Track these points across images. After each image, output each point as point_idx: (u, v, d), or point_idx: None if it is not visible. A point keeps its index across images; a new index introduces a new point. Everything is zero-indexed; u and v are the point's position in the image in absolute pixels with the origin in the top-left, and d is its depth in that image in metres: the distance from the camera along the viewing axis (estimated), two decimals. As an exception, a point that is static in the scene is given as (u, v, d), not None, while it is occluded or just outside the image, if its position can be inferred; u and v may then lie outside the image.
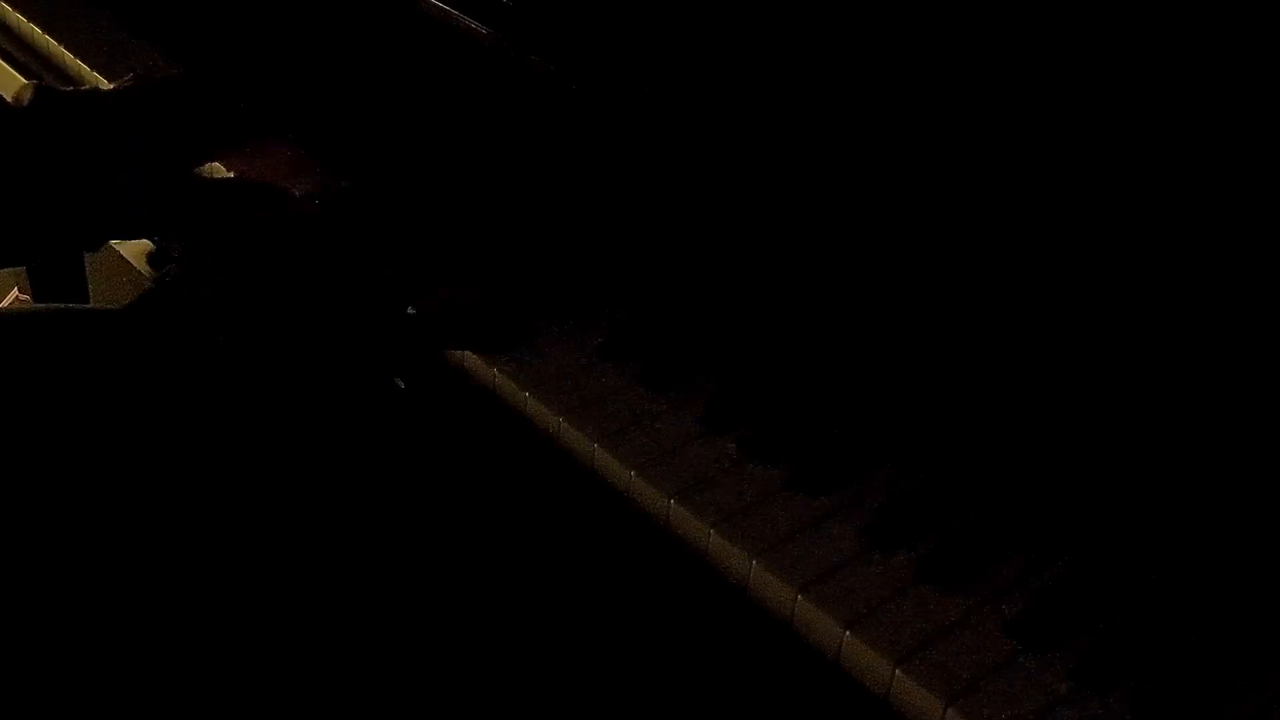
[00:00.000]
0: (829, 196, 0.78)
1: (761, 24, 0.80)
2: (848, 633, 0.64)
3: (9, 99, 0.78)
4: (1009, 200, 0.71)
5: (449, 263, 0.83)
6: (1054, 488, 0.72)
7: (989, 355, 0.74)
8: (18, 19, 1.19)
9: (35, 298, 1.37)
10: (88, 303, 0.88)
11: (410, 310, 0.80)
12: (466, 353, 0.81)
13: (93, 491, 0.67)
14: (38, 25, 1.17)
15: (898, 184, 0.75)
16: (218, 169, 0.94)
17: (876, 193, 0.76)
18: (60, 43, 1.14)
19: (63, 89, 0.80)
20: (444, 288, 0.81)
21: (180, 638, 0.73)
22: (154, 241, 1.14)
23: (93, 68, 1.10)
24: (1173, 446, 0.69)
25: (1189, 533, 0.69)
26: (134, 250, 1.16)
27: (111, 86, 0.84)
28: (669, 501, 0.71)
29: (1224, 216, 0.65)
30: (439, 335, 0.82)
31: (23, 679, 0.67)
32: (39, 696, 0.68)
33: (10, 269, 1.52)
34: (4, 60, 1.20)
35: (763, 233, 0.83)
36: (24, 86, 0.78)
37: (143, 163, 0.78)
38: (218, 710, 0.74)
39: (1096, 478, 0.71)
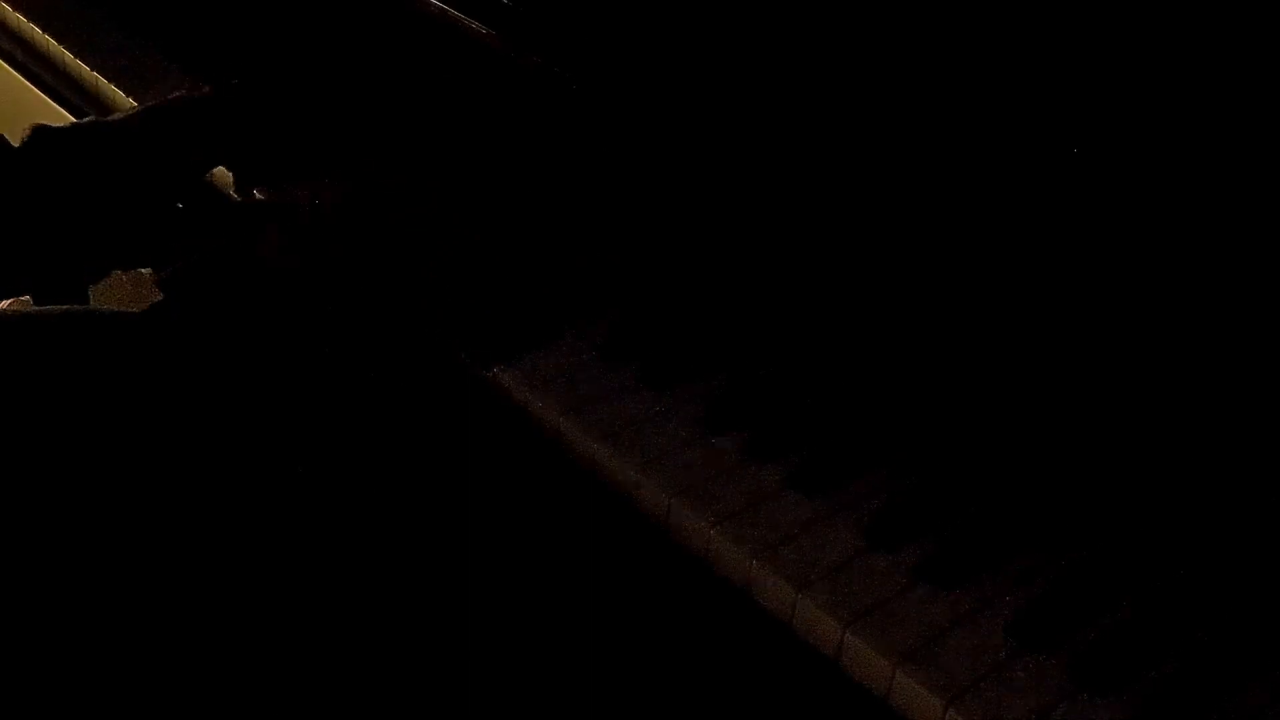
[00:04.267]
0: (828, 197, 0.79)
1: (762, 24, 0.81)
2: (848, 633, 0.64)
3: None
4: (1005, 201, 0.71)
5: (449, 266, 0.83)
6: (1054, 488, 0.72)
7: (988, 355, 0.74)
8: (18, 19, 1.20)
9: (35, 299, 1.37)
10: (87, 304, 0.87)
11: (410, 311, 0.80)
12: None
13: (101, 491, 0.67)
14: (37, 25, 1.18)
15: (895, 183, 0.75)
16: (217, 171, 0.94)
17: (874, 190, 0.76)
18: (60, 43, 1.14)
19: (58, 126, 0.79)
20: (443, 291, 0.81)
21: (183, 637, 0.73)
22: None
23: (92, 68, 1.11)
24: (1172, 447, 0.69)
25: (1187, 533, 0.69)
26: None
27: (113, 117, 0.82)
28: (669, 501, 0.71)
29: (1222, 218, 0.65)
30: (439, 337, 0.82)
31: (26, 679, 0.67)
32: (41, 696, 0.68)
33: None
34: (4, 61, 1.21)
35: (762, 233, 0.83)
36: (26, 129, 0.76)
37: (146, 191, 0.77)
38: (218, 710, 0.74)
39: (1096, 478, 0.71)
